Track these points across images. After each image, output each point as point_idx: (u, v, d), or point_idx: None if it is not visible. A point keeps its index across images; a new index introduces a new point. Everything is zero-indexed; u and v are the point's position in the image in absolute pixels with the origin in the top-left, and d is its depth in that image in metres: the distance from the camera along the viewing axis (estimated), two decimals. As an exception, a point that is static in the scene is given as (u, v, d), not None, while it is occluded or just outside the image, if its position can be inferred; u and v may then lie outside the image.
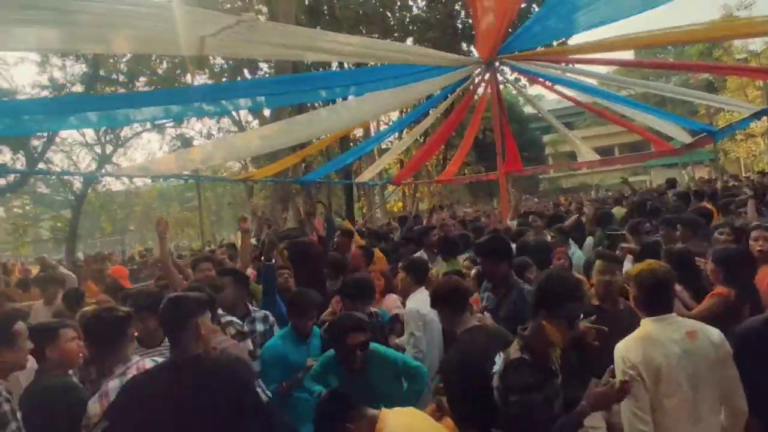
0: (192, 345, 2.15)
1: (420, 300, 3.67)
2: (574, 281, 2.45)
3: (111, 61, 17.49)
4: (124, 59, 17.35)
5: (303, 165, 13.52)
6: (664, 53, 30.42)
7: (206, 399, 2.07)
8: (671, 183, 11.86)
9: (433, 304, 2.94)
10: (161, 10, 3.69)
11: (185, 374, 2.10)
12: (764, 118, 8.74)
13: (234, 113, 19.24)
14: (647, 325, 2.38)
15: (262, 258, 4.69)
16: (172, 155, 15.20)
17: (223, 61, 17.53)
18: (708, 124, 14.07)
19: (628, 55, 59.83)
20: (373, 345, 3.08)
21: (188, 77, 17.38)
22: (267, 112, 14.55)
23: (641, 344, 2.30)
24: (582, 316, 2.49)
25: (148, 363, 2.43)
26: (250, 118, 20.03)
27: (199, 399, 2.07)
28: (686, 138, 11.64)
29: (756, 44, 22.93)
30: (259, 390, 2.53)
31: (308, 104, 12.76)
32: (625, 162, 20.74)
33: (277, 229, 5.05)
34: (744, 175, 19.65)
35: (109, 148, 20.60)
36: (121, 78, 18.34)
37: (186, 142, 20.89)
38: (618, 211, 8.17)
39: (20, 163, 16.64)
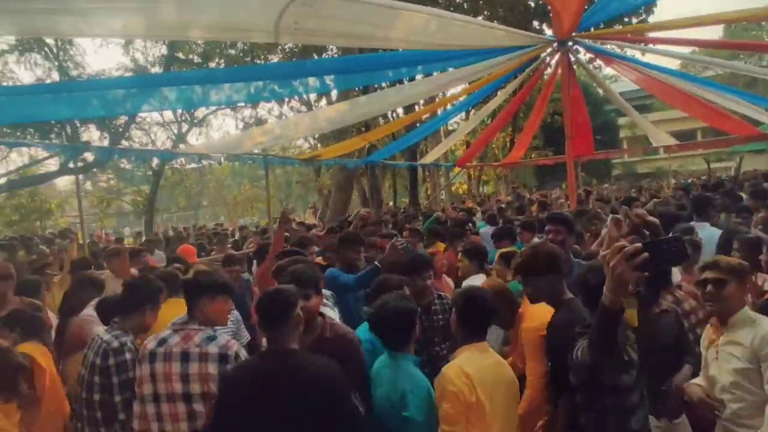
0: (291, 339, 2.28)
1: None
2: None
3: (188, 44, 18.11)
4: (201, 41, 17.90)
5: (367, 147, 13.53)
6: (758, 30, 27.72)
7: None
8: None
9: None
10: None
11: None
12: None
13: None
14: None
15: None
16: (241, 134, 15.61)
17: (293, 45, 17.73)
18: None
19: (714, 33, 54.98)
20: None
21: (260, 60, 17.75)
22: (334, 94, 14.70)
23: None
24: None
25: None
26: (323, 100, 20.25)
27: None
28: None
29: None
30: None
31: (375, 86, 12.72)
32: (706, 147, 19.37)
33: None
34: None
35: (184, 127, 21.57)
36: (196, 59, 18.98)
37: (258, 122, 21.45)
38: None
39: (106, 141, 17.66)
